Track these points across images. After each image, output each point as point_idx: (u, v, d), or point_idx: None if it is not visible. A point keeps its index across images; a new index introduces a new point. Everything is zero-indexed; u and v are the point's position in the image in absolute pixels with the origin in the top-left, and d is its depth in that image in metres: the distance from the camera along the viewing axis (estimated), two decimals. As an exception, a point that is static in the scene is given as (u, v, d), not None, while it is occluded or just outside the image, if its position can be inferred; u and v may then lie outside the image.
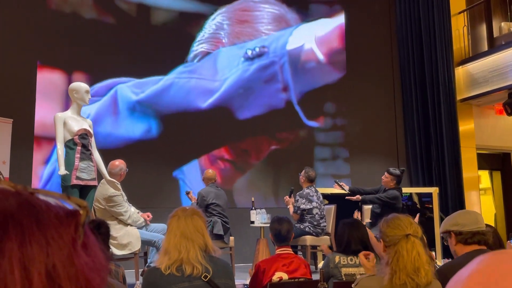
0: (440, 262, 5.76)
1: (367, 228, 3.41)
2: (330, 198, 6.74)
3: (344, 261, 3.06)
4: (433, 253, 6.05)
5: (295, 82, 8.06)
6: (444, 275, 2.05)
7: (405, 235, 1.99)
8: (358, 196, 5.84)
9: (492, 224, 6.95)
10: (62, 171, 4.32)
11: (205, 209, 5.51)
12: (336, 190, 6.40)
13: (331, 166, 8.10)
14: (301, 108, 8.06)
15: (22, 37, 6.51)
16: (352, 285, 2.13)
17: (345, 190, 6.05)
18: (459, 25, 8.73)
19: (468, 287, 0.44)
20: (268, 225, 5.47)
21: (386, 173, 5.80)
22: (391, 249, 2.00)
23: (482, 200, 8.66)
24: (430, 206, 7.08)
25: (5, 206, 0.41)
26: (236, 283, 2.59)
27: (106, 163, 4.81)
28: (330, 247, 5.65)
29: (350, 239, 3.10)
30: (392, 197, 5.62)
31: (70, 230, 0.42)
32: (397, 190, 5.73)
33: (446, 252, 6.07)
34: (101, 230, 2.65)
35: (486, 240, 2.34)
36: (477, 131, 8.58)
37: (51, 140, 6.33)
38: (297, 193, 5.89)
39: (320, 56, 8.35)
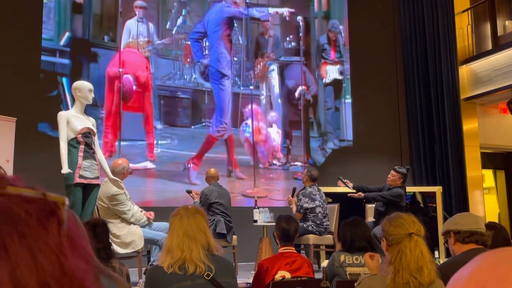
0: (443, 261, 5.75)
1: None
2: (333, 197, 6.73)
3: (349, 260, 3.05)
4: (436, 252, 6.03)
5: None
6: (443, 273, 2.05)
7: (408, 234, 1.99)
8: (360, 193, 5.83)
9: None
10: (65, 169, 4.32)
11: (208, 208, 5.51)
12: (339, 189, 6.39)
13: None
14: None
15: (23, 31, 6.54)
16: (355, 284, 2.12)
17: (349, 187, 6.04)
18: (463, 24, 8.70)
19: (470, 285, 0.44)
20: (271, 223, 5.50)
21: (392, 172, 5.80)
22: (394, 248, 1.99)
23: (486, 199, 8.64)
24: (434, 205, 7.06)
25: None
26: (238, 281, 2.59)
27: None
28: (333, 246, 5.66)
29: (353, 237, 3.09)
30: (396, 195, 5.60)
31: (54, 232, 0.40)
32: (401, 188, 5.72)
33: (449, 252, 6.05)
34: (97, 230, 2.61)
35: (484, 241, 2.35)
36: (481, 130, 8.56)
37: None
38: (300, 192, 5.88)
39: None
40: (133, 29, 7.42)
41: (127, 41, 7.36)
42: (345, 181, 6.10)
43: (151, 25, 7.55)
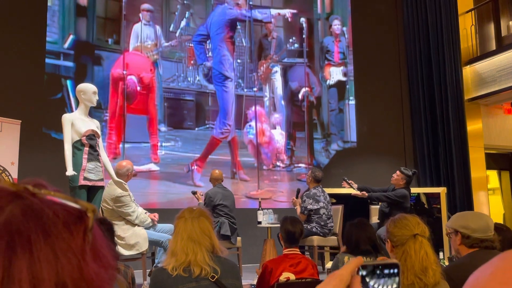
0: (447, 262, 5.73)
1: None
2: (337, 198, 6.72)
3: (353, 262, 3.03)
4: (441, 253, 6.02)
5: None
6: (449, 275, 2.04)
7: (413, 235, 1.98)
8: (364, 192, 5.83)
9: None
10: (70, 172, 4.34)
11: (213, 209, 5.51)
12: (343, 190, 6.38)
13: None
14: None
15: (28, 34, 6.57)
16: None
17: (354, 188, 6.03)
18: (466, 24, 8.68)
19: (492, 286, 0.43)
20: (275, 225, 5.49)
21: (397, 171, 5.80)
22: (398, 249, 1.99)
23: (490, 200, 8.61)
24: (438, 206, 7.04)
25: (9, 218, 0.38)
26: (243, 283, 2.59)
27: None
28: (338, 248, 5.64)
29: (358, 240, 3.08)
30: (401, 196, 5.59)
31: (79, 237, 0.41)
32: (406, 189, 5.71)
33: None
34: (103, 228, 2.62)
35: (493, 247, 2.32)
36: (485, 131, 8.53)
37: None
38: (304, 193, 5.88)
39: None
40: (140, 33, 7.44)
41: (135, 45, 7.40)
42: (349, 182, 6.10)
43: (158, 27, 7.57)
